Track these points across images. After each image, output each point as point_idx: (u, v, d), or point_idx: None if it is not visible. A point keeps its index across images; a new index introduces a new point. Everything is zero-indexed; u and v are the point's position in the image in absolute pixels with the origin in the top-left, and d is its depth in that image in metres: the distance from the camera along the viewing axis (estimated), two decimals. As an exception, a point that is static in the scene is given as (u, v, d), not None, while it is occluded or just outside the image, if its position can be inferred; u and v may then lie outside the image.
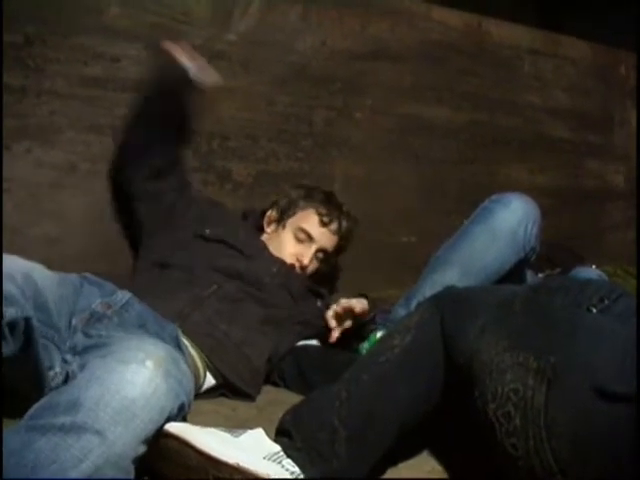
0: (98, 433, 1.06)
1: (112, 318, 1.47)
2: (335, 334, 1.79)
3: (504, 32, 2.87)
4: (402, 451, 1.32)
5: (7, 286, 1.14)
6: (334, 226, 2.02)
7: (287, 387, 1.78)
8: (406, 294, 1.95)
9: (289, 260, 1.95)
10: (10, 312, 1.11)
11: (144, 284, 1.72)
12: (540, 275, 2.32)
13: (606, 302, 1.11)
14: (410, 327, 1.33)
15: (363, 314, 1.80)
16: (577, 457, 1.01)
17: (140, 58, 2.03)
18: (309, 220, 2.01)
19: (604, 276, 2.22)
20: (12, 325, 1.12)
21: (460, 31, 2.73)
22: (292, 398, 1.66)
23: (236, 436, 1.14)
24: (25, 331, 1.15)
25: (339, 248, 2.08)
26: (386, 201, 2.57)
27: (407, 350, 1.27)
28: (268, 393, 1.73)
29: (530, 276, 2.08)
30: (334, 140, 2.47)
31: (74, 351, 1.33)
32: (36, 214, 1.91)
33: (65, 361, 1.28)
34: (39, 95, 1.89)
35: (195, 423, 1.37)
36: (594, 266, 2.62)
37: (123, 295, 1.55)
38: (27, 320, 1.15)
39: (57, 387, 1.23)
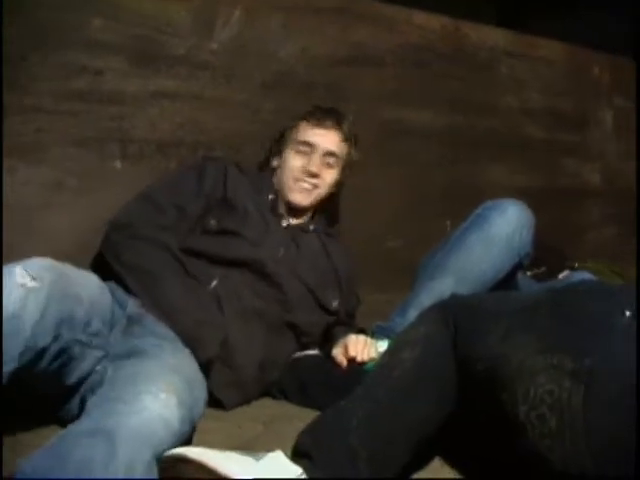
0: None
1: (146, 318, 1.55)
2: (344, 364, 1.78)
3: (481, 34, 2.89)
4: (416, 461, 1.31)
5: (76, 310, 1.31)
6: (329, 122, 1.95)
7: (287, 400, 1.77)
8: (402, 303, 1.95)
9: (298, 175, 1.90)
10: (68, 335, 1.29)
11: None
12: (528, 273, 2.33)
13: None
14: (418, 339, 1.33)
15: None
16: (617, 457, 1.02)
17: (124, 70, 2.00)
18: (302, 129, 1.95)
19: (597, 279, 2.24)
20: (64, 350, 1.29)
21: (438, 34, 2.74)
22: (296, 412, 1.67)
23: (257, 459, 1.13)
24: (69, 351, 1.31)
25: (349, 147, 2.00)
26: (370, 206, 2.57)
27: (419, 364, 1.27)
28: (270, 407, 1.71)
29: (520, 275, 2.09)
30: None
31: (112, 357, 1.42)
32: (24, 233, 1.87)
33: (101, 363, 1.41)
34: (23, 112, 1.85)
35: (201, 442, 1.36)
36: (576, 264, 2.65)
37: None
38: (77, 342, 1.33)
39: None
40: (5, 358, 1.17)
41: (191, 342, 1.56)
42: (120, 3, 2.00)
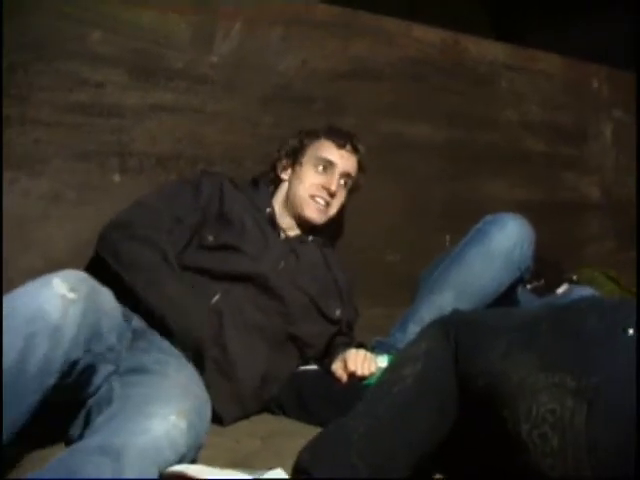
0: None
1: (151, 333, 1.54)
2: (344, 379, 1.77)
3: (480, 48, 2.89)
4: (416, 476, 1.30)
5: (102, 324, 1.31)
6: (349, 147, 2.00)
7: (286, 415, 1.75)
8: (402, 318, 1.94)
9: (315, 192, 1.93)
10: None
11: None
12: (528, 287, 2.33)
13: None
14: (419, 355, 1.32)
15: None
16: (619, 475, 1.01)
17: (123, 83, 2.01)
18: (324, 148, 1.98)
19: (597, 295, 2.23)
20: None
21: (438, 48, 2.75)
22: (294, 427, 1.66)
23: (256, 477, 1.12)
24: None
25: (359, 169, 2.06)
26: (370, 220, 2.57)
27: (420, 379, 1.26)
28: (269, 423, 1.70)
29: (520, 289, 2.09)
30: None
31: (118, 371, 1.40)
32: (22, 245, 1.86)
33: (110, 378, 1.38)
34: (23, 124, 1.85)
35: (199, 456, 1.35)
36: (574, 276, 2.65)
37: None
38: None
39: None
40: (50, 370, 1.17)
41: (181, 331, 1.56)
42: (119, 16, 2.01)
